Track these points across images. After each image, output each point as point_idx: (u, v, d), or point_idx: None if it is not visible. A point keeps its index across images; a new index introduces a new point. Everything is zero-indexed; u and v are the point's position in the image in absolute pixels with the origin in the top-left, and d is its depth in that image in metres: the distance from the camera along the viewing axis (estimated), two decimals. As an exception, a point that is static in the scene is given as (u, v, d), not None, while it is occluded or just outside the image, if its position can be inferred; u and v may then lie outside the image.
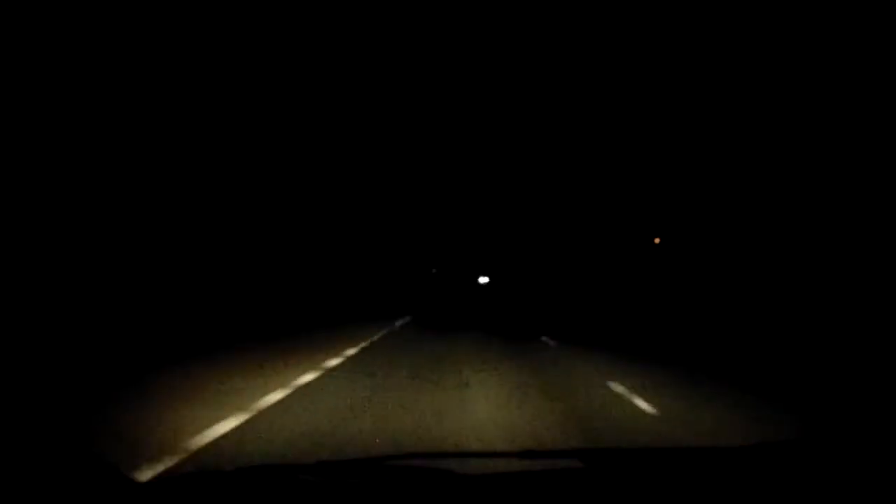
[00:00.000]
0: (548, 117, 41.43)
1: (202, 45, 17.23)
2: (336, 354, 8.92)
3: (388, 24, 32.67)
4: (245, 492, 1.46)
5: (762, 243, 20.71)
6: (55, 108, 12.57)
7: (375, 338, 12.05)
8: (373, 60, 33.65)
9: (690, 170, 25.75)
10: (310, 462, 1.67)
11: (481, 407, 5.71)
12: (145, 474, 3.07)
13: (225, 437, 4.24)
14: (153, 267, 14.84)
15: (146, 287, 13.65)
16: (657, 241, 31.30)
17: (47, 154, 12.33)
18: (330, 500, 1.46)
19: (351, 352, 9.47)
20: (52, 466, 1.41)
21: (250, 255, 21.26)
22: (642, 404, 6.11)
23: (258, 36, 20.44)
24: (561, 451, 2.14)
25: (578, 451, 1.91)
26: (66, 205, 12.58)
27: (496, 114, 49.34)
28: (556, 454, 1.94)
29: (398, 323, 16.17)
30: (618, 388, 7.03)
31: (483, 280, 68.12)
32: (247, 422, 4.69)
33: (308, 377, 6.89)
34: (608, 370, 8.57)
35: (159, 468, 3.31)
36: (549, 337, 13.70)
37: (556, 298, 33.07)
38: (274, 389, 6.00)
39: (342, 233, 34.03)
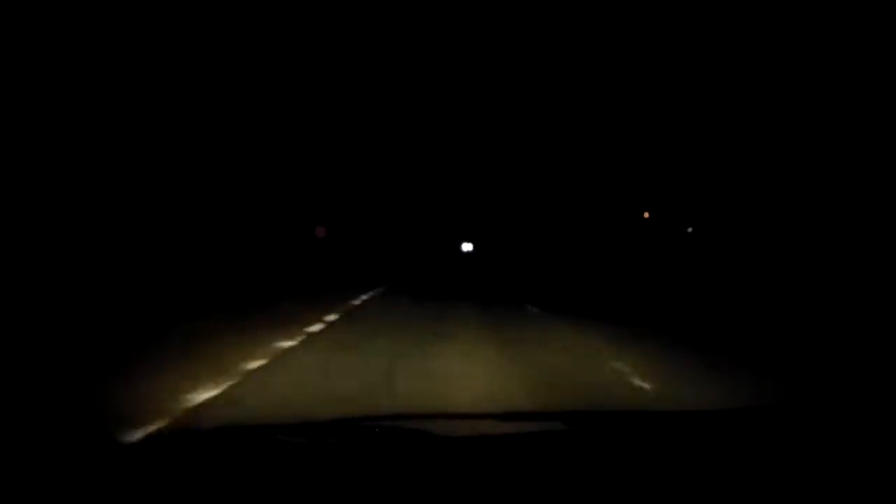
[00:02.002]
0: (533, 83, 41.12)
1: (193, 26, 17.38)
2: (308, 325, 8.04)
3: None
4: (224, 451, 1.50)
5: (754, 220, 21.24)
6: (51, 99, 12.84)
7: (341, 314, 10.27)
8: (357, 27, 33.50)
9: (681, 142, 26.14)
10: (289, 423, 1.73)
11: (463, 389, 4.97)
12: (133, 435, 2.95)
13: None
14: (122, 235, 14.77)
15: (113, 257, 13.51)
16: (646, 215, 31.49)
17: (45, 145, 12.62)
18: (308, 460, 1.48)
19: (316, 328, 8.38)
20: (37, 430, 1.53)
21: (222, 223, 21.29)
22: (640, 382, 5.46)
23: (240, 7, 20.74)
24: (543, 413, 2.23)
25: (561, 414, 1.91)
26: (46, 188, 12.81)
27: (479, 79, 48.98)
28: (538, 416, 2.00)
29: (371, 294, 15.01)
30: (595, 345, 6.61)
31: (467, 247, 66.61)
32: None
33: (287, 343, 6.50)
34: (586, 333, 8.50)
35: (151, 429, 3.23)
36: (534, 305, 13.06)
37: (545, 268, 32.47)
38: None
39: (317, 198, 33.83)
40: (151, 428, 3.19)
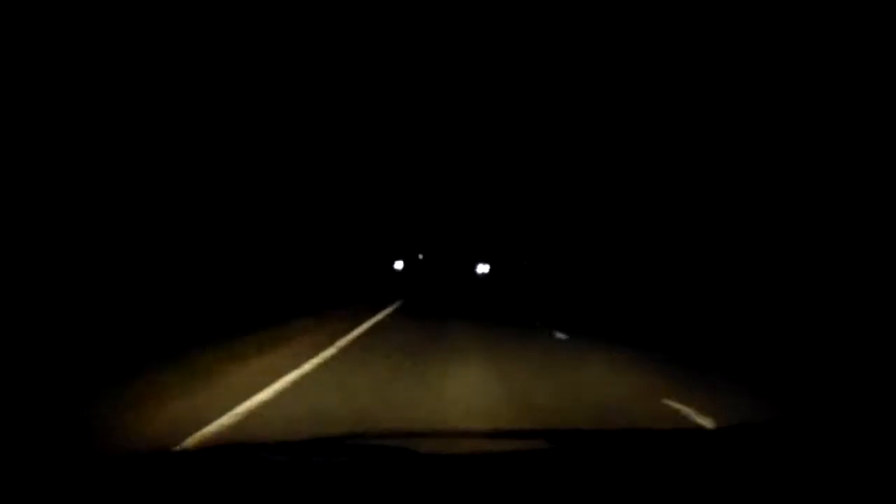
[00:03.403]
0: (551, 99, 40.98)
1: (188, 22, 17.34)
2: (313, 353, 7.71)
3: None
4: (207, 470, 1.53)
5: (765, 237, 21.10)
6: (51, 101, 12.94)
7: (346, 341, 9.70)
8: (364, 50, 34.00)
9: (696, 163, 26.08)
10: (273, 441, 1.79)
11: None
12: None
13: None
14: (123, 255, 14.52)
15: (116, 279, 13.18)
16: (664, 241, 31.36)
17: (46, 149, 12.74)
18: (292, 479, 1.48)
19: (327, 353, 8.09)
20: (36, 442, 1.85)
21: (233, 241, 21.00)
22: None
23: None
24: (528, 430, 2.12)
25: (545, 432, 1.90)
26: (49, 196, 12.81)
27: (497, 93, 49.23)
28: (523, 434, 2.01)
29: (381, 315, 14.16)
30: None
31: (482, 269, 64.12)
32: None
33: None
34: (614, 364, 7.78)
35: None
36: (558, 330, 12.25)
37: (563, 288, 31.53)
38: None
39: (330, 219, 34.34)
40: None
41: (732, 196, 23.42)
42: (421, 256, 69.37)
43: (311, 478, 1.49)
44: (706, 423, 4.77)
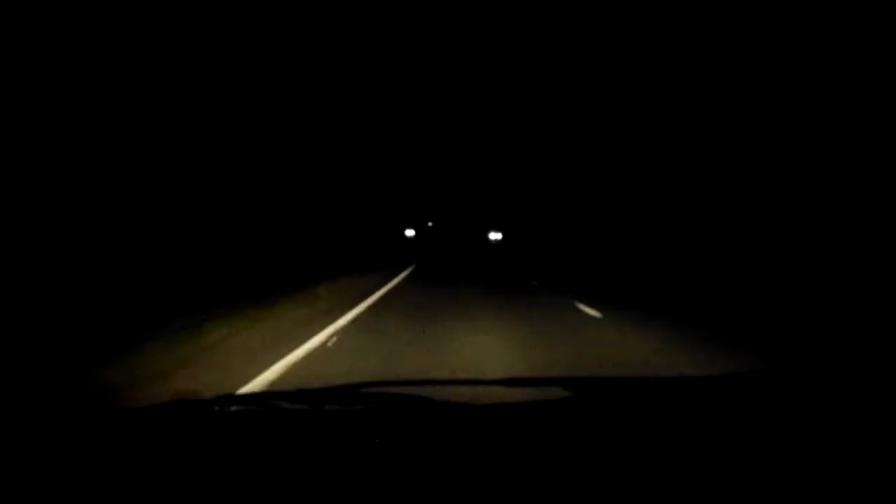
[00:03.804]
0: (566, 66, 41.76)
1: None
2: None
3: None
4: (224, 419, 1.57)
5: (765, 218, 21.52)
6: (51, 101, 13.11)
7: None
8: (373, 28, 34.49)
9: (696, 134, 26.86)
10: (289, 390, 1.79)
11: None
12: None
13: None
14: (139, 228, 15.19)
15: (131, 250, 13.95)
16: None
17: (47, 145, 12.94)
18: (308, 427, 1.50)
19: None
20: (40, 398, 1.78)
21: (249, 209, 22.13)
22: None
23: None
24: (545, 378, 2.09)
25: (563, 380, 1.88)
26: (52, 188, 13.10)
27: (512, 62, 49.22)
28: (540, 382, 1.95)
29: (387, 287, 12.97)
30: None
31: (495, 236, 61.65)
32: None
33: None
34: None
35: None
36: (586, 304, 10.15)
37: (580, 256, 29.29)
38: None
39: (343, 188, 35.20)
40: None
41: (741, 169, 23.77)
42: (430, 224, 67.98)
43: (327, 426, 1.52)
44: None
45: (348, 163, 36.02)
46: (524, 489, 1.20)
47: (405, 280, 15.90)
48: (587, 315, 9.06)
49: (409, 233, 61.87)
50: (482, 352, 5.95)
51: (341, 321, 7.96)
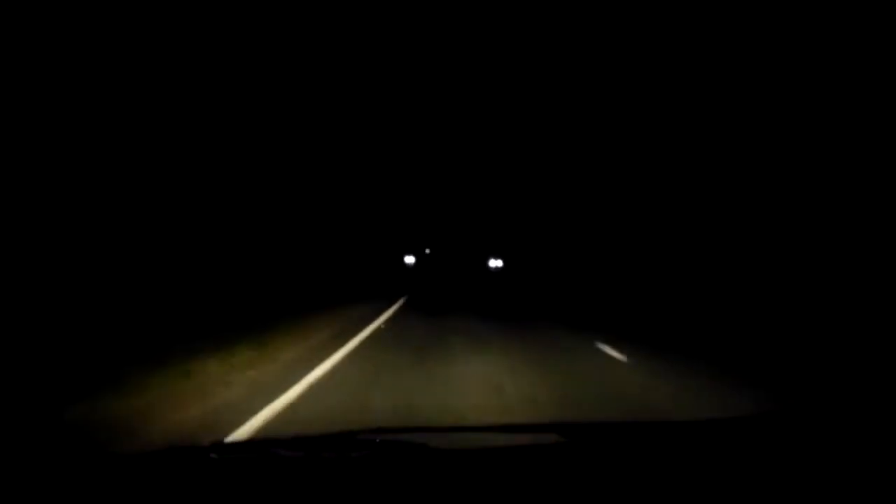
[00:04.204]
0: (565, 91, 41.49)
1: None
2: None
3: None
4: (222, 466, 1.56)
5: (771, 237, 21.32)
6: (53, 104, 13.03)
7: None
8: (371, 47, 34.93)
9: (697, 159, 26.64)
10: (286, 437, 1.81)
11: None
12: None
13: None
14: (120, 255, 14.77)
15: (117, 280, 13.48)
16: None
17: (47, 150, 12.86)
18: (305, 475, 1.50)
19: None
20: (35, 444, 1.73)
21: (239, 239, 21.75)
22: None
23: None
24: (540, 425, 2.19)
25: (557, 426, 1.94)
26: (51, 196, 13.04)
27: (510, 87, 49.72)
28: (535, 428, 2.03)
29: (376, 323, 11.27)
30: None
31: (495, 263, 60.12)
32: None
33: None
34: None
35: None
36: (609, 344, 8.48)
37: (586, 286, 27.73)
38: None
39: (341, 216, 35.00)
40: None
41: (743, 189, 23.65)
42: (428, 251, 66.81)
43: (323, 473, 1.51)
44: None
45: (347, 186, 35.64)
46: None
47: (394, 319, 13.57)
48: (612, 358, 7.45)
49: (409, 260, 60.80)
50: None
51: (337, 355, 7.07)
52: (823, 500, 1.31)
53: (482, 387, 5.55)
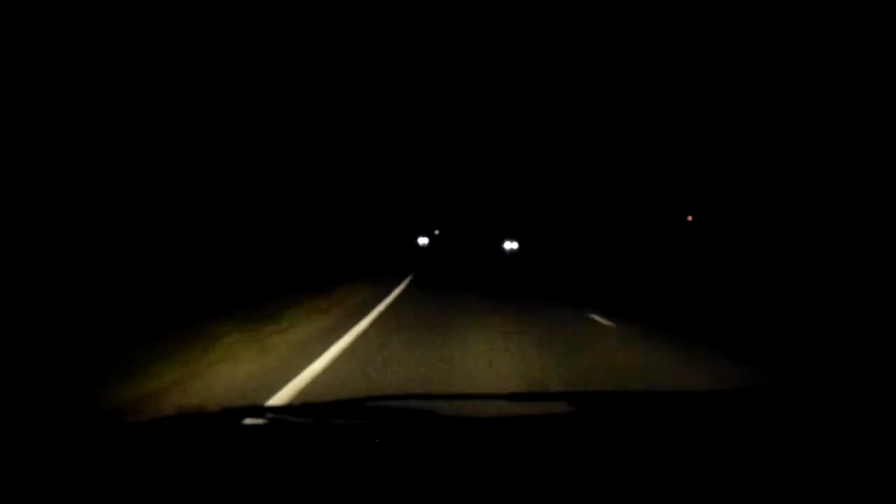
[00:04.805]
0: (582, 70, 42.82)
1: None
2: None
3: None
4: (230, 432, 1.60)
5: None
6: (52, 102, 13.28)
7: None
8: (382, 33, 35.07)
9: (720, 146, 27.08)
10: (295, 404, 1.87)
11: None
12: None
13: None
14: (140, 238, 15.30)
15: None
16: (690, 218, 32.79)
17: (47, 147, 13.12)
18: (313, 440, 1.53)
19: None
20: (44, 411, 1.86)
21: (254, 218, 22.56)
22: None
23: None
24: (550, 393, 2.16)
25: (568, 394, 1.89)
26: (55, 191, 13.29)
27: (527, 64, 49.41)
28: (544, 396, 2.00)
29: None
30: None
31: (510, 245, 58.44)
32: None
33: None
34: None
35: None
36: (604, 316, 9.96)
37: (598, 268, 28.25)
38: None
39: (354, 197, 35.92)
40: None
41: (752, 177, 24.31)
42: (437, 232, 66.70)
43: (332, 440, 1.54)
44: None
45: (357, 166, 36.20)
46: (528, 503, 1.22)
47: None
48: (602, 324, 8.92)
49: (422, 241, 60.69)
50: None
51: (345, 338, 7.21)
52: (831, 472, 1.33)
53: (487, 339, 7.13)
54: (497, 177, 62.72)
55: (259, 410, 1.72)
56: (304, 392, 4.54)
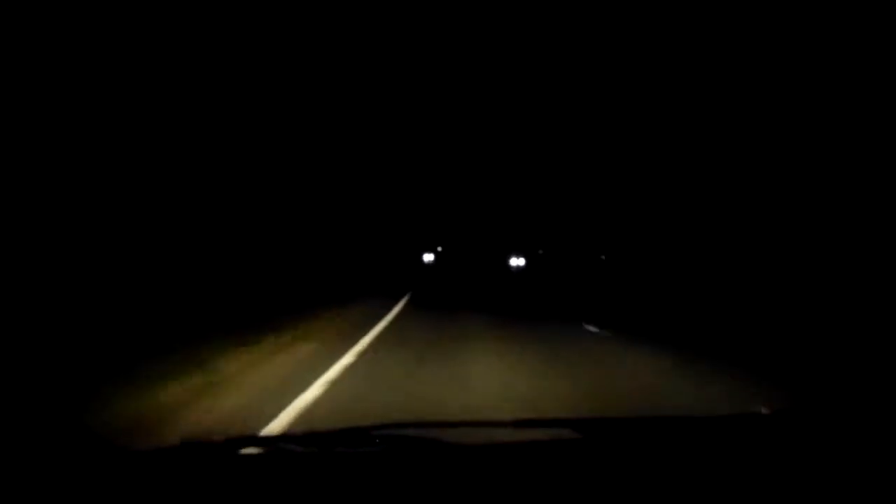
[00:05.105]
0: (582, 88, 42.80)
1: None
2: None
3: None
4: (233, 461, 1.60)
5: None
6: (53, 104, 13.31)
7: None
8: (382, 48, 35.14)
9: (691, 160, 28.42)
10: (299, 433, 1.87)
11: None
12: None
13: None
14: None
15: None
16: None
17: (46, 150, 13.15)
18: (318, 470, 1.54)
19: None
20: (43, 439, 1.60)
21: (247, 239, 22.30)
22: None
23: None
24: (556, 420, 2.11)
25: (574, 421, 1.92)
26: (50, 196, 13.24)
27: (528, 81, 49.56)
28: (551, 423, 1.99)
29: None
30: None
31: (516, 262, 56.54)
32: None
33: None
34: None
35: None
36: (596, 326, 10.61)
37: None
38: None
39: (358, 213, 35.78)
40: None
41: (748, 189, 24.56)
42: (440, 249, 65.76)
43: (336, 469, 1.54)
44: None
45: (362, 183, 36.22)
46: None
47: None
48: (594, 333, 9.58)
49: (428, 258, 60.01)
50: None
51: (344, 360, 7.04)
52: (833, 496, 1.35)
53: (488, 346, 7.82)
54: (503, 191, 62.75)
55: (262, 440, 1.73)
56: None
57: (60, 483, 1.34)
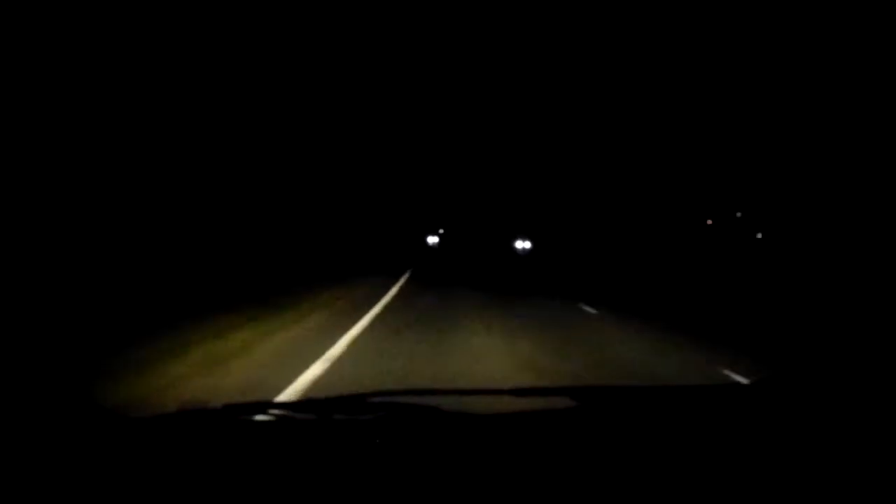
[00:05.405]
0: (588, 72, 42.80)
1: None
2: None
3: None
4: (232, 428, 1.62)
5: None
6: (53, 102, 13.51)
7: None
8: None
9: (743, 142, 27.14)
10: (298, 400, 2.14)
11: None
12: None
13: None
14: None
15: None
16: (710, 222, 33.01)
17: (48, 147, 13.36)
18: (315, 436, 1.56)
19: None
20: (44, 406, 1.65)
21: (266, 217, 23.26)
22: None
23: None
24: (553, 388, 2.16)
25: (570, 389, 1.95)
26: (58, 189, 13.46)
27: (533, 64, 49.19)
28: (547, 391, 2.02)
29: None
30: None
31: (522, 245, 55.33)
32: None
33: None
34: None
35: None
36: (590, 306, 11.54)
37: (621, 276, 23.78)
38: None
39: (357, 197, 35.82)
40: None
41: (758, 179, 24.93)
42: (444, 231, 64.81)
43: (334, 435, 1.56)
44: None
45: (367, 165, 36.51)
46: (530, 499, 1.27)
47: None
48: (588, 312, 10.48)
49: (432, 240, 59.73)
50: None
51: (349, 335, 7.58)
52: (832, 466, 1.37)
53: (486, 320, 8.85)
54: (510, 173, 61.94)
55: (261, 406, 1.73)
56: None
57: (64, 452, 1.36)
